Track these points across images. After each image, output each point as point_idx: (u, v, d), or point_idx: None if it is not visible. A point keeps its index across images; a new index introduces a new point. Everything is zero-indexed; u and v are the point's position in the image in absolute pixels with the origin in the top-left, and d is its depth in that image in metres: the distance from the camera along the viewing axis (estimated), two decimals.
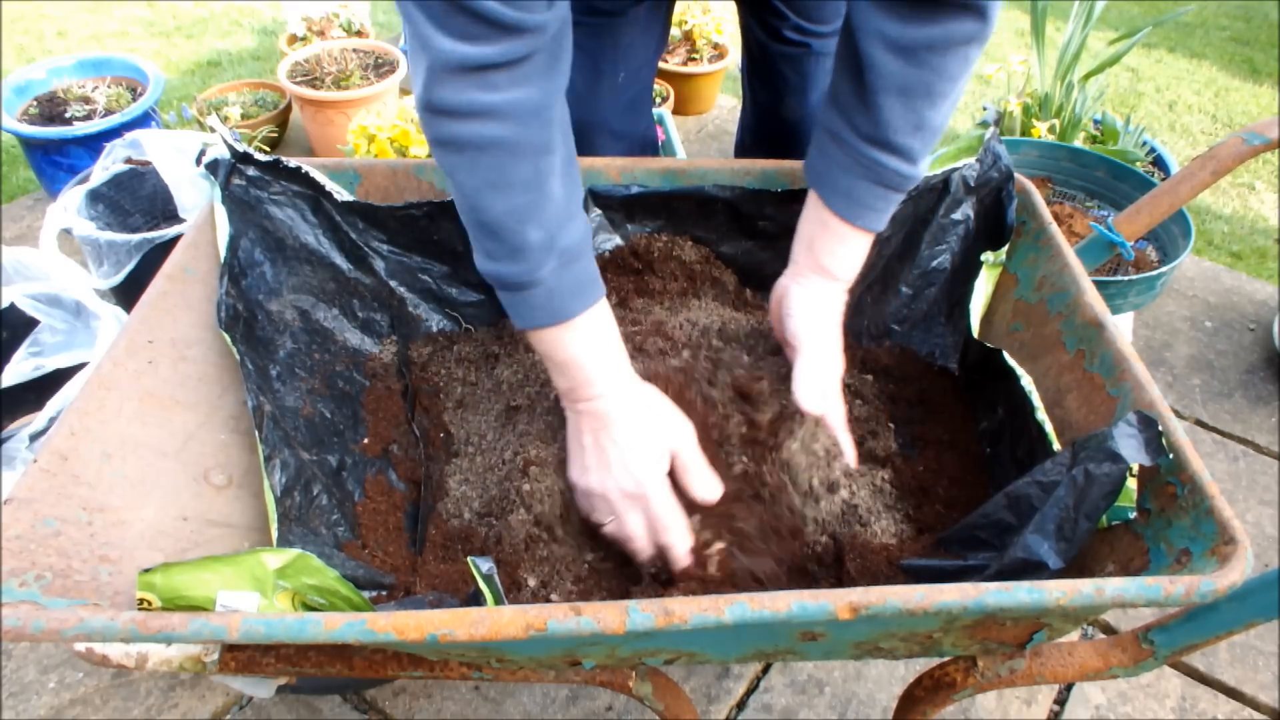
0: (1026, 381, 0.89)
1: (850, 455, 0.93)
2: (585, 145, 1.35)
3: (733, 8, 1.43)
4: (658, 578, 0.86)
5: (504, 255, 0.77)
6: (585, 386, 0.82)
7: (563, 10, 0.73)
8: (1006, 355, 0.93)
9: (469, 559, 0.67)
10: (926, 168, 0.86)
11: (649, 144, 1.46)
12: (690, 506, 0.86)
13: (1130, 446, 0.72)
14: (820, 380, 0.88)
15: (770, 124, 1.48)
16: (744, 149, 1.64)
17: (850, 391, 1.06)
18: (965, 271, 1.08)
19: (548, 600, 0.86)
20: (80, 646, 0.76)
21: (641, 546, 0.85)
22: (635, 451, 0.83)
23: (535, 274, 0.77)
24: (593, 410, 0.83)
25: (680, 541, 0.83)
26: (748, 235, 1.13)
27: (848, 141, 0.84)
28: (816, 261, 0.90)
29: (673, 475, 0.85)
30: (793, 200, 1.08)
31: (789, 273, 0.94)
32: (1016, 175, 1.05)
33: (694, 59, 2.62)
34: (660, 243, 1.13)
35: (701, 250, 1.14)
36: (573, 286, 0.79)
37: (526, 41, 0.70)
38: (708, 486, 0.85)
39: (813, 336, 0.90)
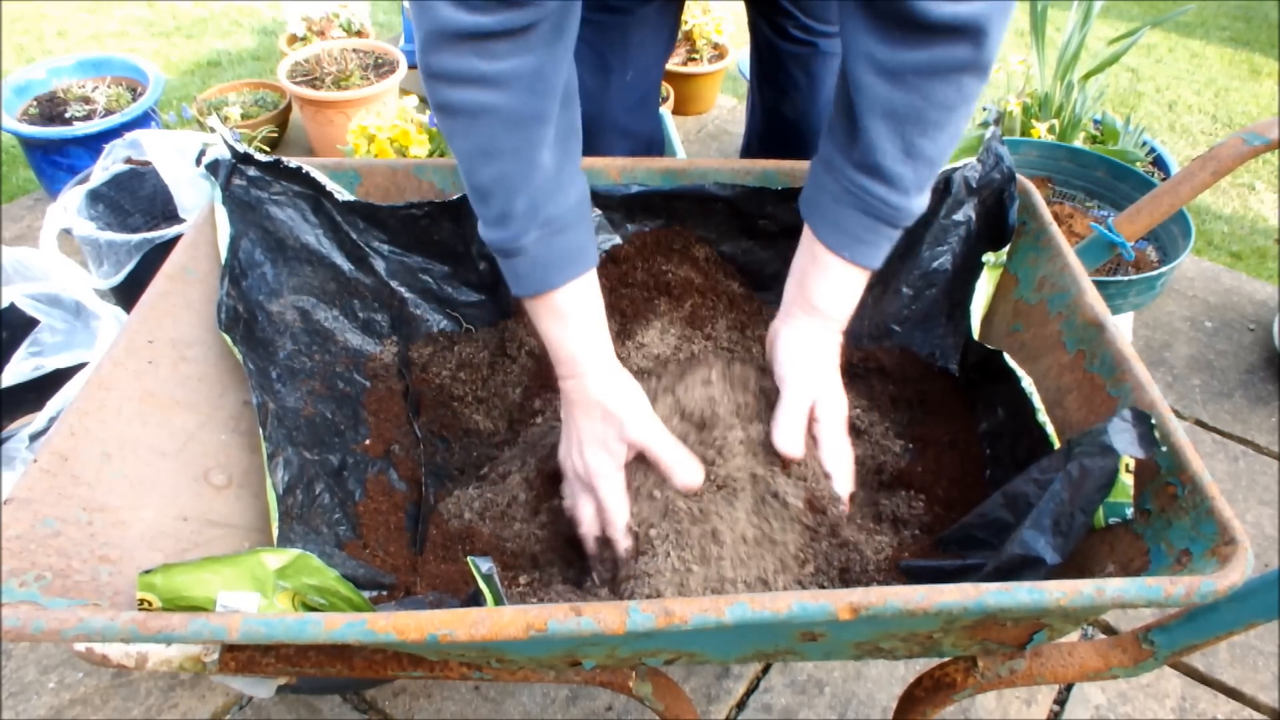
0: (1027, 383, 0.89)
1: (843, 493, 0.88)
2: (593, 142, 1.36)
3: (733, 7, 1.44)
4: (601, 577, 0.86)
5: (492, 220, 0.79)
6: (562, 364, 0.84)
7: None
8: (1007, 356, 0.93)
9: (469, 559, 0.67)
10: (924, 204, 0.82)
11: (655, 143, 1.47)
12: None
13: (1124, 440, 0.72)
14: (796, 423, 0.85)
15: (776, 125, 1.48)
16: (749, 150, 1.64)
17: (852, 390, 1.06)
18: (966, 272, 1.08)
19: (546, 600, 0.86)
20: (80, 646, 0.76)
21: (586, 532, 0.87)
22: (590, 440, 0.84)
23: (518, 241, 0.78)
24: (567, 389, 0.85)
25: (618, 530, 0.83)
26: (748, 235, 1.13)
27: (837, 168, 0.82)
28: (806, 299, 0.87)
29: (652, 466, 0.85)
30: (793, 199, 1.08)
31: (780, 315, 0.91)
32: (1018, 176, 1.05)
33: (694, 59, 2.62)
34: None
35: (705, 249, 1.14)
36: (556, 258, 0.80)
37: (530, 11, 0.69)
38: (686, 472, 0.83)
39: (797, 378, 0.87)
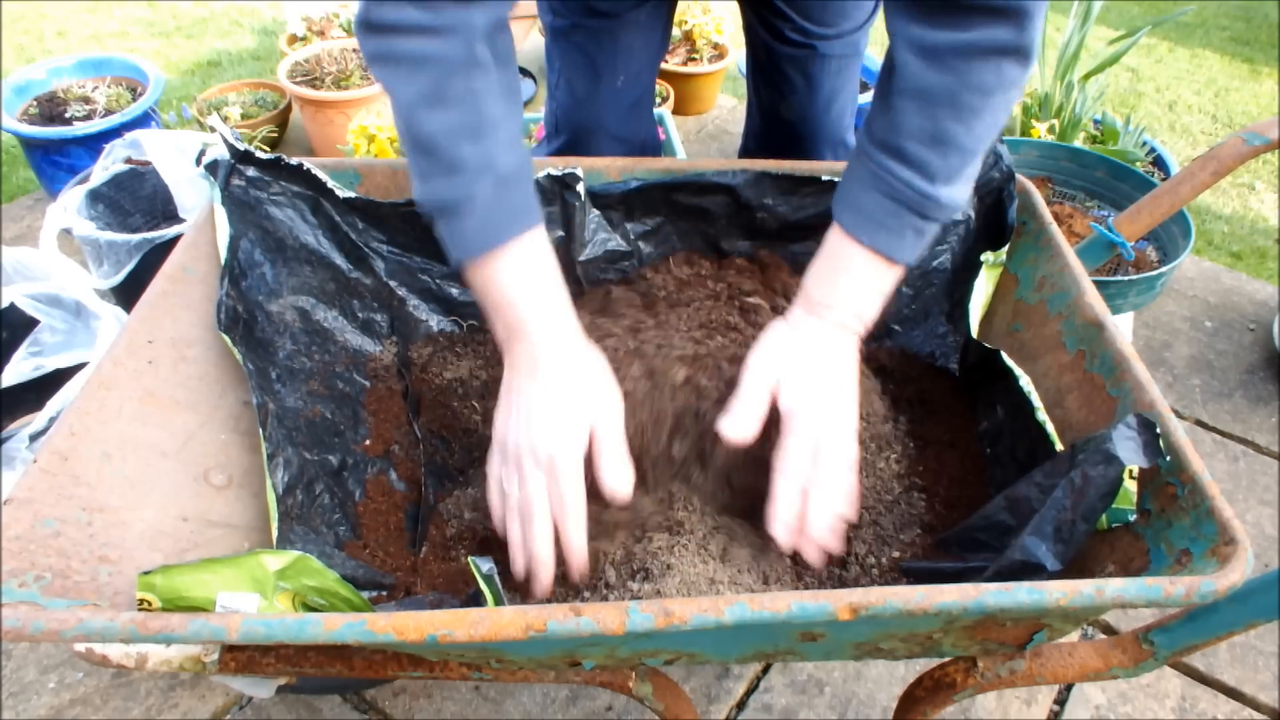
0: (1025, 382, 0.89)
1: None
2: (586, 149, 1.35)
3: (733, 8, 1.43)
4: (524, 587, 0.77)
5: (438, 173, 0.75)
6: (519, 327, 0.77)
7: None
8: (1005, 355, 0.93)
9: (469, 559, 0.67)
10: (958, 196, 0.76)
11: (650, 148, 1.46)
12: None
13: (1128, 448, 0.72)
14: (741, 409, 0.76)
15: (774, 126, 1.48)
16: (748, 151, 1.64)
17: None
18: (965, 272, 1.08)
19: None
20: (80, 647, 0.76)
21: (534, 531, 0.76)
22: (553, 413, 0.76)
23: (469, 191, 0.74)
24: (522, 356, 0.77)
25: (576, 530, 0.75)
26: (747, 233, 1.13)
27: (864, 150, 0.78)
28: (807, 293, 0.79)
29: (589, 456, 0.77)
30: (792, 191, 1.08)
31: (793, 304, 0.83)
32: (1017, 175, 1.05)
33: (694, 59, 2.62)
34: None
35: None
36: (507, 210, 0.76)
37: None
38: (618, 477, 0.77)
39: (757, 365, 0.77)
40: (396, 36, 0.72)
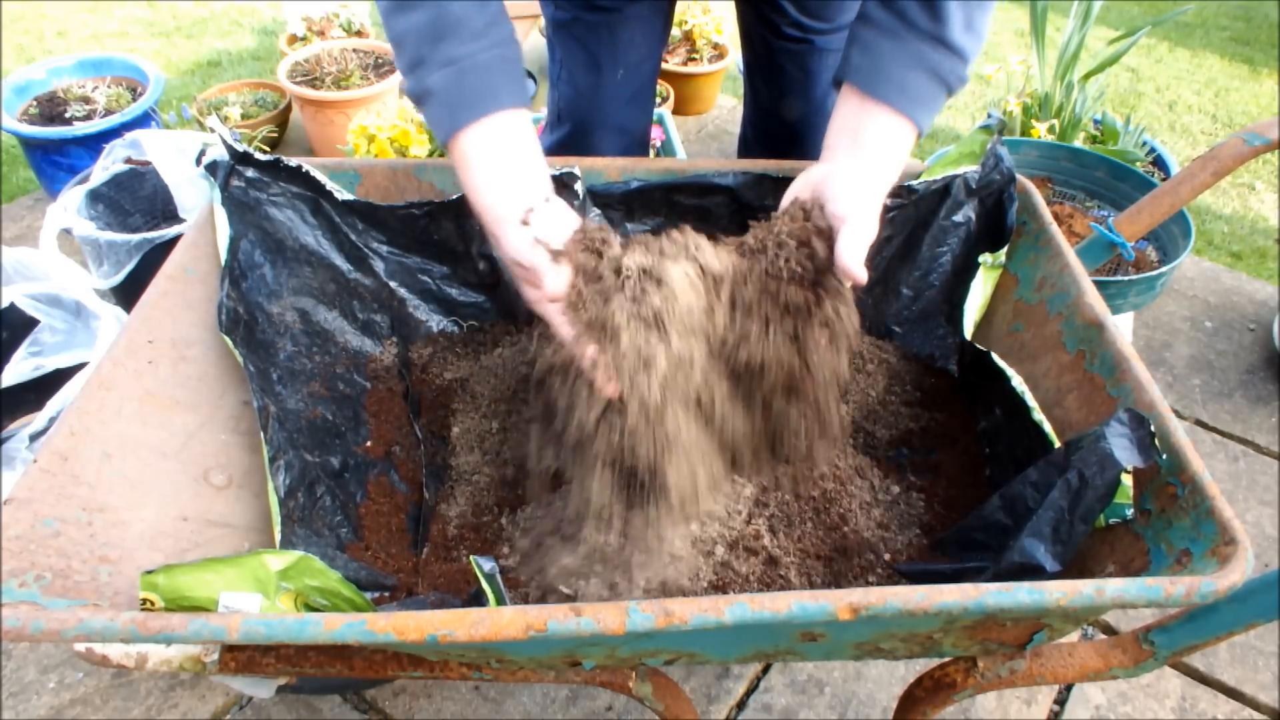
0: (1018, 382, 0.89)
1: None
2: (586, 140, 1.36)
3: (733, 7, 1.44)
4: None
5: (405, 68, 0.84)
6: (477, 199, 0.84)
7: None
8: (995, 356, 0.93)
9: (471, 558, 0.67)
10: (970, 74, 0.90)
11: (648, 139, 1.47)
12: None
13: (1123, 447, 0.72)
14: (863, 249, 0.85)
15: (773, 122, 1.48)
16: (747, 148, 1.64)
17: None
18: (966, 273, 1.08)
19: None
20: (80, 646, 0.76)
21: (544, 285, 0.85)
22: (509, 244, 0.85)
23: (425, 83, 0.82)
24: (484, 221, 0.86)
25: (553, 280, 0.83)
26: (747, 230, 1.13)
27: (906, 38, 0.86)
28: (863, 151, 0.89)
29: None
30: None
31: (827, 162, 0.91)
32: (1018, 176, 1.05)
33: (694, 59, 2.62)
34: None
35: None
36: (464, 97, 0.82)
37: None
38: (552, 280, 0.84)
39: (858, 210, 0.86)
40: None
